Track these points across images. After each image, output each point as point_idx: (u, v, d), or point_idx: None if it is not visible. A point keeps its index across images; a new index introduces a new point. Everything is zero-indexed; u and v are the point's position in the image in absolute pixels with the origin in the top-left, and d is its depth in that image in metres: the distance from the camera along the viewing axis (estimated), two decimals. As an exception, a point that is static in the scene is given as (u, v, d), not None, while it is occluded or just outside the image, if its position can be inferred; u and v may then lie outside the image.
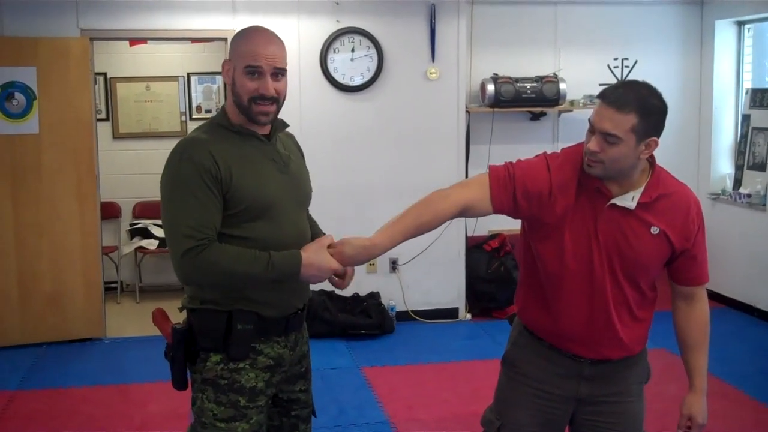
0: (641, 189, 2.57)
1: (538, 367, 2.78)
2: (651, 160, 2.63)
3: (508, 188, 2.61)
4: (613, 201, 2.57)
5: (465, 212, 2.65)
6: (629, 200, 2.56)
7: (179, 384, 2.68)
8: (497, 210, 2.64)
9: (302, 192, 2.79)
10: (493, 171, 2.66)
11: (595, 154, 2.50)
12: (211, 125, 2.64)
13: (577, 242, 2.59)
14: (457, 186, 2.73)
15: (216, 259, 2.45)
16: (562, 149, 2.72)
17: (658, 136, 2.53)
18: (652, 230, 2.58)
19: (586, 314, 2.64)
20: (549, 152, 2.73)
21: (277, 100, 2.60)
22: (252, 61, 2.54)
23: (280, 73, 2.59)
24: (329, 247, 2.62)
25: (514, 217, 2.70)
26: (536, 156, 2.72)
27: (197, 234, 2.44)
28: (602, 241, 2.58)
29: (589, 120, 2.54)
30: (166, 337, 2.67)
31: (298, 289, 2.72)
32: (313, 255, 2.57)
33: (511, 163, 2.68)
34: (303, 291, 2.76)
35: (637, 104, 2.45)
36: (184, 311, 2.69)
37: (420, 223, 2.64)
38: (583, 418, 2.78)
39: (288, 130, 2.81)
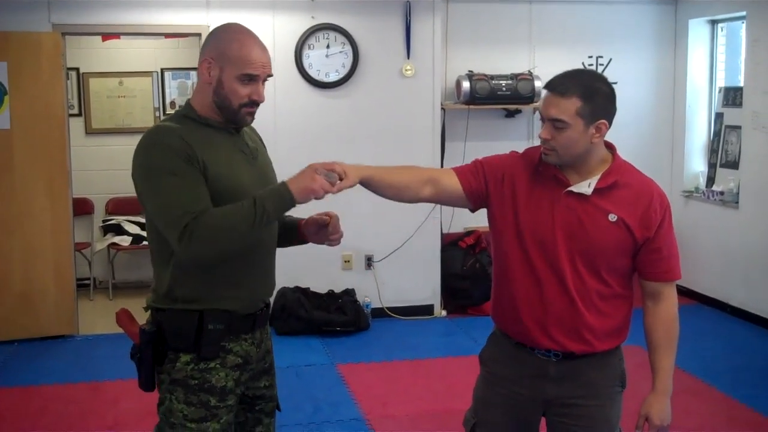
0: (598, 176, 2.62)
1: (507, 367, 2.81)
2: (612, 150, 2.69)
3: (475, 172, 2.74)
4: (570, 188, 2.61)
5: (436, 186, 2.72)
6: (585, 186, 2.61)
7: (147, 385, 2.64)
8: (466, 188, 2.72)
9: (270, 184, 2.74)
10: (457, 167, 2.81)
11: (547, 141, 2.57)
12: (178, 117, 2.62)
13: (535, 229, 2.64)
14: (430, 168, 2.90)
15: (214, 223, 2.41)
16: (526, 148, 2.80)
17: (609, 120, 2.58)
18: (609, 217, 2.60)
19: (547, 300, 2.65)
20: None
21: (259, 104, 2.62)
22: (251, 70, 2.53)
23: (266, 79, 2.61)
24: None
25: (483, 201, 2.76)
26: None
27: (189, 210, 2.41)
28: (560, 227, 2.61)
29: (538, 110, 2.59)
30: (132, 338, 2.62)
31: (267, 282, 2.74)
32: (298, 174, 2.51)
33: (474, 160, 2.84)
34: (269, 284, 2.76)
35: (580, 88, 2.52)
36: (149, 311, 2.66)
37: (393, 173, 2.72)
38: (554, 420, 2.80)
39: (261, 125, 2.79)
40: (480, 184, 2.73)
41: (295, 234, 2.88)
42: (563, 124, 2.51)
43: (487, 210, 2.78)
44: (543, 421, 2.85)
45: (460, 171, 2.76)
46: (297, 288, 6.80)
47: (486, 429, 2.84)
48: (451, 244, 7.27)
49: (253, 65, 2.53)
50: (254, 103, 2.58)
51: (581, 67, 7.34)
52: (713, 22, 7.60)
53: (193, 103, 2.62)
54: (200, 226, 2.40)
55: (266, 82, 2.63)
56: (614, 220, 2.59)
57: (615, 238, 2.60)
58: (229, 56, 2.54)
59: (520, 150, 2.81)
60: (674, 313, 2.73)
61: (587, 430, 2.75)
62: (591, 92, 2.52)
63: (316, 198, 2.48)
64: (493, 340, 2.91)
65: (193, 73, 8.29)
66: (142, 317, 2.69)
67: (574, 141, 2.54)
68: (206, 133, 2.56)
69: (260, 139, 2.87)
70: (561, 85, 2.54)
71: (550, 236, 2.61)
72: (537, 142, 2.75)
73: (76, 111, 8.14)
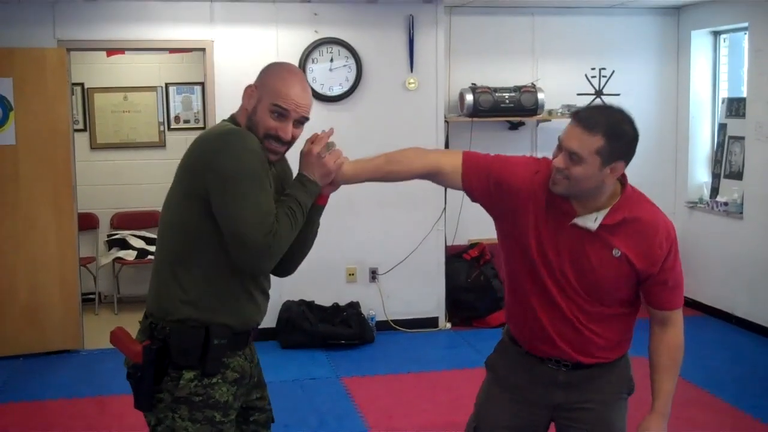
0: (606, 211, 2.58)
1: (515, 373, 2.83)
2: (623, 180, 2.64)
3: (481, 174, 2.68)
4: (575, 221, 2.59)
5: (436, 176, 2.75)
6: (591, 221, 2.58)
7: (146, 405, 2.60)
8: (466, 188, 2.72)
9: None
10: (467, 156, 2.74)
11: (561, 170, 2.53)
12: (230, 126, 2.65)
13: (541, 253, 2.62)
14: (437, 151, 2.84)
15: (286, 224, 2.51)
16: (544, 158, 2.73)
17: (627, 162, 2.54)
18: (614, 252, 2.58)
19: (555, 318, 2.67)
20: (532, 156, 2.78)
21: (289, 144, 2.65)
22: (282, 103, 2.56)
23: (302, 121, 2.64)
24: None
25: (483, 202, 2.74)
26: (520, 156, 2.80)
27: (273, 214, 2.48)
28: (565, 254, 2.60)
29: (558, 137, 2.56)
30: (132, 357, 2.58)
31: (261, 307, 2.73)
32: (305, 165, 2.68)
33: (490, 155, 2.77)
34: (263, 309, 2.76)
35: (606, 127, 2.47)
36: (146, 328, 2.64)
37: (390, 169, 2.80)
38: (562, 424, 2.82)
39: None
40: (481, 189, 2.69)
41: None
42: (580, 159, 2.47)
43: (498, 222, 2.77)
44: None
45: (466, 169, 2.70)
46: (302, 301, 6.80)
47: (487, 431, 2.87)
48: (455, 256, 7.28)
49: (286, 100, 2.56)
50: (278, 139, 2.59)
51: (587, 83, 7.38)
52: (716, 33, 7.62)
53: (238, 121, 2.66)
54: (281, 227, 2.48)
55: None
56: (618, 255, 2.58)
57: (618, 272, 2.60)
58: (269, 87, 2.59)
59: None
60: (680, 339, 2.73)
61: None
62: (616, 134, 2.48)
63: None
64: (502, 347, 2.93)
65: (197, 88, 8.33)
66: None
67: (587, 177, 2.50)
68: None
69: (286, 171, 2.86)
70: (588, 119, 2.49)
71: (557, 261, 2.61)
72: (540, 154, 2.75)
73: (81, 126, 8.17)
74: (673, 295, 2.70)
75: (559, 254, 2.60)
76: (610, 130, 2.47)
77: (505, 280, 2.87)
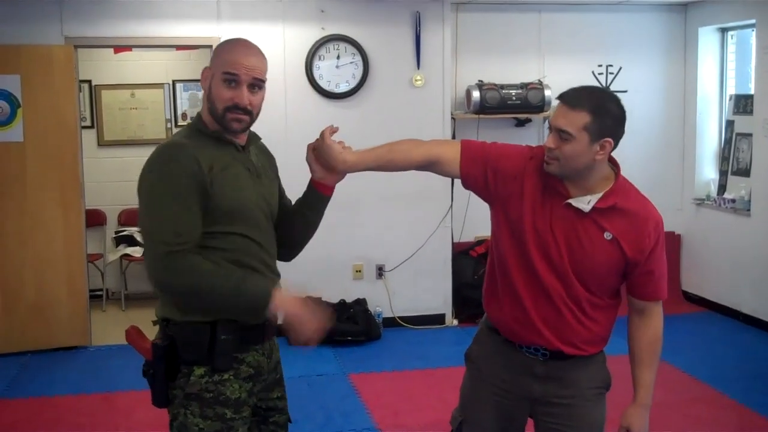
0: (600, 195, 2.63)
1: (494, 364, 2.86)
2: (616, 170, 2.70)
3: (479, 162, 2.72)
4: (569, 201, 2.63)
5: (435, 165, 2.77)
6: (585, 203, 2.62)
7: (160, 401, 2.62)
8: (464, 178, 2.75)
9: (272, 205, 2.76)
10: (466, 144, 2.77)
11: (552, 150, 2.59)
12: (190, 130, 2.65)
13: (536, 235, 2.65)
14: (435, 141, 2.85)
15: (192, 267, 2.43)
16: (539, 146, 2.80)
17: (616, 140, 2.59)
18: (605, 235, 2.63)
19: (540, 304, 2.69)
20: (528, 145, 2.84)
21: (251, 113, 2.59)
22: (231, 69, 2.53)
23: (257, 85, 2.58)
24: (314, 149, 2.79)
25: (480, 189, 2.77)
26: (515, 144, 2.85)
27: (180, 239, 2.43)
28: (559, 239, 2.63)
29: (548, 120, 2.60)
30: (144, 354, 2.61)
31: None
32: (292, 298, 2.56)
33: (486, 143, 2.80)
34: None
35: (591, 104, 2.54)
36: (159, 325, 2.65)
37: (390, 158, 2.78)
38: (540, 419, 2.85)
39: (272, 136, 2.79)
40: (478, 178, 2.73)
41: (314, 195, 2.86)
42: (568, 136, 2.54)
43: (494, 208, 2.80)
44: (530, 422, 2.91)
45: (464, 157, 2.73)
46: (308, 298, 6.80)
47: (473, 426, 2.91)
48: (462, 253, 7.28)
49: (234, 65, 2.53)
50: (237, 108, 2.55)
51: (594, 80, 7.38)
52: (723, 30, 7.60)
53: (203, 116, 2.64)
54: (185, 261, 2.43)
55: (274, 89, 2.62)
56: (609, 238, 2.63)
57: (608, 255, 2.63)
58: (219, 60, 2.59)
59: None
60: (660, 330, 2.79)
61: (573, 429, 2.79)
62: (601, 110, 2.54)
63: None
64: (481, 337, 2.98)
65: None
66: (151, 330, 2.68)
67: (577, 154, 2.55)
68: (215, 148, 2.57)
69: (268, 157, 2.87)
70: (573, 97, 2.58)
71: (551, 243, 2.64)
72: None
73: (88, 123, 8.19)
74: (656, 286, 2.74)
75: (554, 236, 2.64)
76: (595, 106, 2.54)
77: (489, 268, 2.88)
